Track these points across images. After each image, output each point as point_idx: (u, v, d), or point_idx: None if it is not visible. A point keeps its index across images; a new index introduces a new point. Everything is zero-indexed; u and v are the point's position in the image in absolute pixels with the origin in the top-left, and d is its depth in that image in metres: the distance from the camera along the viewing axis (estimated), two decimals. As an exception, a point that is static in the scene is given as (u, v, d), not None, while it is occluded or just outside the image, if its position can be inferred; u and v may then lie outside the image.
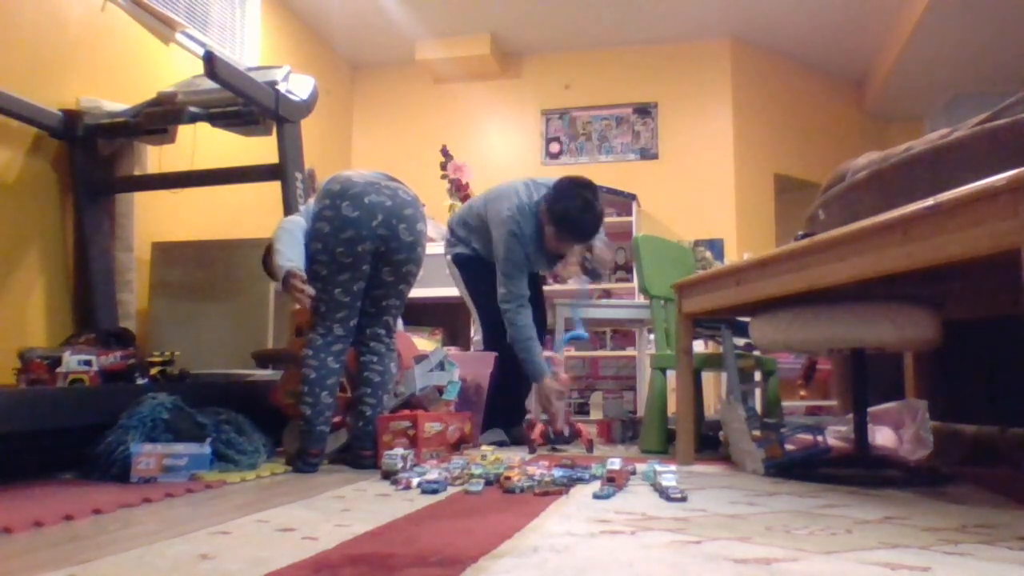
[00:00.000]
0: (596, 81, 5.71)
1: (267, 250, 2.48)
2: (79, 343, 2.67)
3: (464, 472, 2.02)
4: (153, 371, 2.69)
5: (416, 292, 5.19)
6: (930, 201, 1.41)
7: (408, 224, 2.37)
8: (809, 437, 2.38)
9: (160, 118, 3.09)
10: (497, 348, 3.05)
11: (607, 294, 5.22)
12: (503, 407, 3.09)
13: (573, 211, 2.86)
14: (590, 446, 2.78)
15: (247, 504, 1.67)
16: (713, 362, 3.03)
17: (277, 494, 1.83)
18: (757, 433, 2.28)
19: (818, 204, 3.00)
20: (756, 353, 3.07)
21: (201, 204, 4.00)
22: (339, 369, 2.36)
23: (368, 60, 5.93)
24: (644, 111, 5.65)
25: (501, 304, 2.96)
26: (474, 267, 3.15)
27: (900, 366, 2.66)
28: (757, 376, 3.18)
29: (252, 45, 4.72)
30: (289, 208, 2.96)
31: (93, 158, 3.22)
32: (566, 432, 2.85)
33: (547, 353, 2.91)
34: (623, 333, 5.20)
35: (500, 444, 2.93)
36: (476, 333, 3.23)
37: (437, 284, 4.86)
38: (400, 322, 2.71)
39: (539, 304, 3.24)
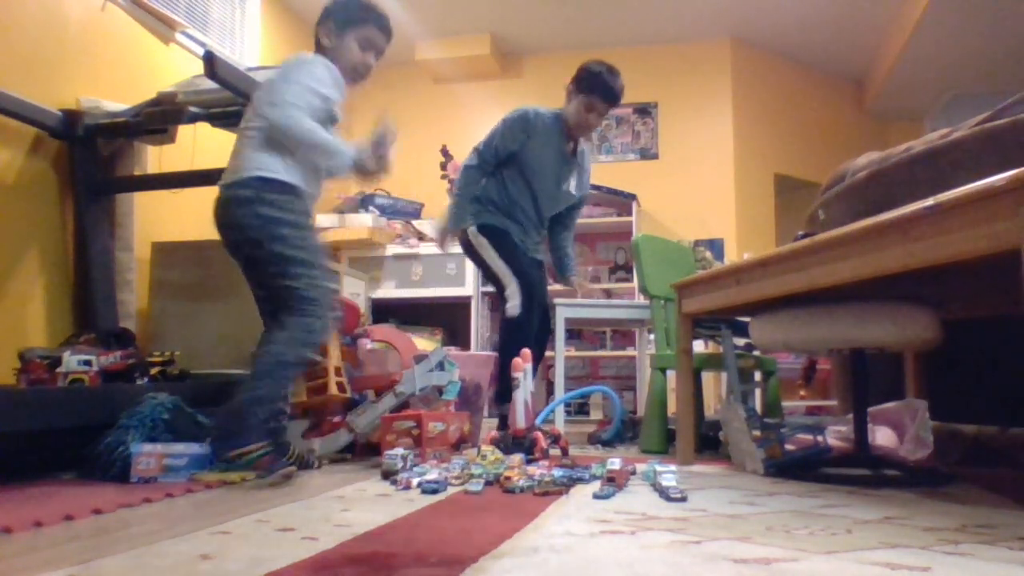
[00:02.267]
0: (596, 81, 5.70)
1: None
2: (79, 343, 2.67)
3: (464, 472, 2.02)
4: (153, 371, 2.69)
5: (416, 292, 5.15)
6: (930, 201, 1.41)
7: (224, 228, 2.20)
8: (809, 437, 2.38)
9: (160, 118, 3.08)
10: (529, 317, 3.01)
11: (607, 294, 5.22)
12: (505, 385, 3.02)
13: (603, 73, 3.01)
14: (543, 454, 2.54)
15: (247, 504, 1.67)
16: (713, 362, 3.03)
17: (277, 494, 1.83)
18: (757, 433, 2.28)
19: (818, 204, 3.00)
20: (756, 353, 3.07)
21: (201, 204, 3.97)
22: None
23: (368, 60, 5.93)
24: (644, 111, 5.65)
25: (469, 156, 3.08)
26: (501, 236, 3.08)
27: (900, 366, 2.66)
28: (757, 376, 3.18)
29: (252, 45, 4.72)
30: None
31: (93, 158, 3.22)
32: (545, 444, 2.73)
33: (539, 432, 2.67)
34: (623, 333, 5.20)
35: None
36: (511, 298, 2.99)
37: (437, 284, 4.88)
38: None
39: (544, 313, 3.23)
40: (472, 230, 3.11)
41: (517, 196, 3.11)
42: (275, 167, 2.15)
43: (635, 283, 4.74)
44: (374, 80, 2.58)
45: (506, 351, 2.91)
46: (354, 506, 1.64)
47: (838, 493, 1.82)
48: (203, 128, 3.25)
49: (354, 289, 4.55)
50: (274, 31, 4.95)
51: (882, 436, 2.52)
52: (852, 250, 1.65)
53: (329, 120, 2.23)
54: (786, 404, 3.97)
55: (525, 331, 2.96)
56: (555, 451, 2.62)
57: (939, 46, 5.01)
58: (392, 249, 4.99)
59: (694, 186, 5.45)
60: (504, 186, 3.11)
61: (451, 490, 1.87)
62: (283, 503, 1.68)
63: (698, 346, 3.88)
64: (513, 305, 2.98)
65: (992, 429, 2.33)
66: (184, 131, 3.39)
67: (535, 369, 3.08)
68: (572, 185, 3.22)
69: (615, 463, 2.04)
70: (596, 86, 3.01)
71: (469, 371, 3.02)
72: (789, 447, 2.30)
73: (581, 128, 3.09)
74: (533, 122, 3.04)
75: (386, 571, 1.07)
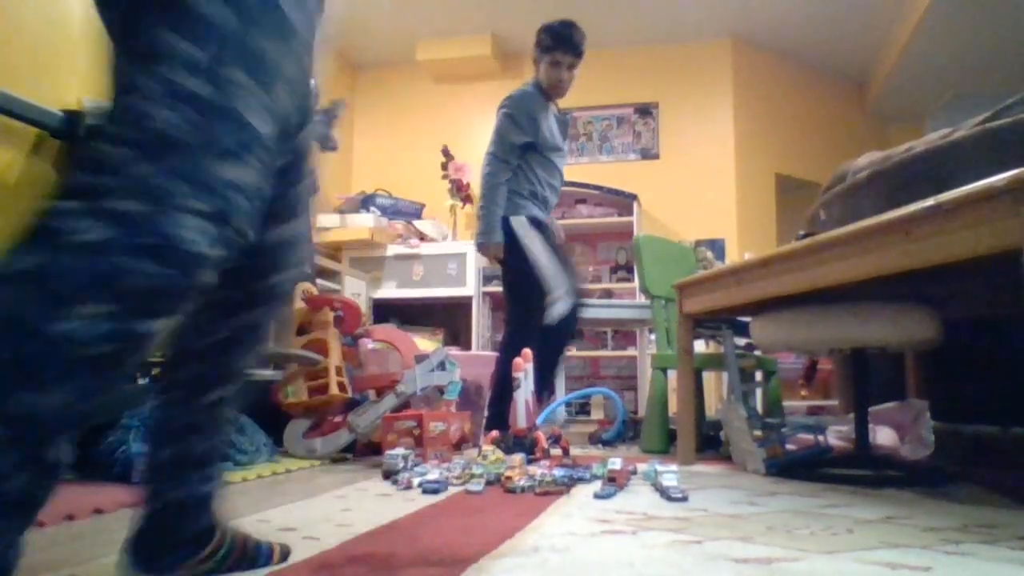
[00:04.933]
0: (596, 81, 5.70)
1: None
2: (80, 343, 2.67)
3: (465, 472, 2.02)
4: (154, 371, 2.69)
5: (417, 292, 5.12)
6: (931, 201, 1.41)
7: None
8: (810, 437, 2.38)
9: (161, 118, 3.09)
10: (569, 320, 2.97)
11: (608, 294, 5.22)
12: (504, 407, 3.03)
13: (555, 26, 3.13)
14: (545, 454, 2.54)
15: (248, 503, 1.67)
16: (714, 362, 3.03)
17: (278, 493, 1.83)
18: (758, 433, 2.28)
19: (819, 204, 3.00)
20: (757, 353, 3.07)
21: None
22: None
23: (368, 60, 5.93)
24: (645, 111, 5.65)
25: (486, 163, 3.00)
26: (546, 232, 3.01)
27: (901, 366, 2.66)
28: (758, 376, 3.18)
29: (253, 45, 4.72)
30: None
31: (94, 158, 3.22)
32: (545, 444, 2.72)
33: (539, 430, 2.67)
34: (624, 333, 5.20)
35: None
36: (557, 302, 2.88)
37: (438, 284, 4.88)
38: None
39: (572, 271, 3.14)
40: (521, 219, 2.96)
41: (546, 176, 3.09)
42: None
43: (636, 283, 4.74)
44: (375, 80, 2.58)
45: (498, 381, 2.88)
46: (355, 506, 1.64)
47: (839, 493, 1.82)
48: (204, 128, 3.25)
49: (355, 289, 4.56)
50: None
51: (883, 436, 2.53)
52: (852, 250, 1.65)
53: None
54: (787, 404, 3.98)
55: (564, 335, 2.96)
56: (556, 451, 2.62)
57: (940, 46, 5.00)
58: (393, 249, 4.99)
59: (695, 186, 5.45)
60: (532, 172, 3.06)
61: (452, 490, 1.87)
62: (284, 503, 1.68)
63: (699, 346, 3.88)
64: (560, 309, 2.87)
65: (992, 429, 2.33)
66: (185, 131, 3.39)
67: (550, 374, 3.06)
68: (565, 144, 3.29)
69: (616, 463, 2.04)
70: (554, 40, 3.08)
71: (470, 371, 3.02)
72: (790, 447, 2.30)
73: (556, 88, 3.11)
74: (530, 102, 3.05)
75: (387, 571, 1.07)
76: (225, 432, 1.09)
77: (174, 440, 1.02)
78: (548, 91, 3.10)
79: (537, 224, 2.99)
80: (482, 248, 3.00)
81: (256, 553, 1.10)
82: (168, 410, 1.02)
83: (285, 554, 1.06)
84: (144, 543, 1.00)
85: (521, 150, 3.03)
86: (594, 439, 3.24)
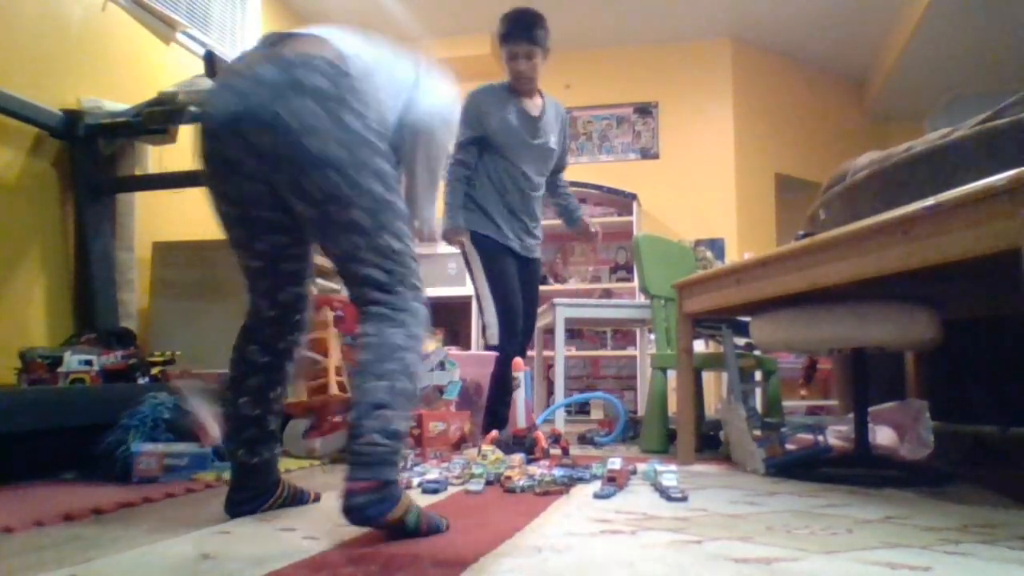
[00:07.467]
0: (596, 81, 5.71)
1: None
2: (80, 343, 2.67)
3: (465, 471, 2.02)
4: (154, 371, 2.70)
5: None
6: (931, 201, 1.41)
7: (260, 118, 1.36)
8: (810, 437, 2.38)
9: (161, 118, 3.08)
10: (508, 347, 2.89)
11: (607, 294, 5.22)
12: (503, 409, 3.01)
13: (507, 15, 3.01)
14: (544, 453, 2.55)
15: (248, 504, 1.67)
16: (714, 362, 3.03)
17: (278, 494, 1.83)
18: (758, 433, 2.28)
19: (819, 204, 3.00)
20: (757, 353, 3.07)
21: (201, 204, 3.97)
22: (270, 364, 1.61)
23: (368, 60, 5.94)
24: (644, 111, 5.65)
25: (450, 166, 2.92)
26: (495, 251, 2.94)
27: (900, 366, 2.66)
28: (758, 376, 3.18)
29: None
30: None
31: (94, 158, 3.22)
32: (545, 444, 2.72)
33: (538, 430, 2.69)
34: (623, 333, 5.20)
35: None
36: (489, 328, 2.91)
37: (437, 284, 4.88)
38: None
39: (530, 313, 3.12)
40: (468, 237, 2.97)
41: (505, 179, 2.98)
42: None
43: (636, 283, 4.74)
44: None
45: (493, 382, 2.92)
46: (355, 506, 1.64)
47: (839, 493, 1.82)
48: (204, 128, 3.24)
49: (355, 289, 4.55)
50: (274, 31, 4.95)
51: (883, 436, 2.53)
52: (852, 250, 1.65)
53: None
54: (786, 404, 3.98)
55: (505, 362, 2.87)
56: (556, 451, 2.62)
57: (939, 46, 5.00)
58: (393, 249, 4.98)
59: (695, 186, 5.45)
60: (489, 178, 2.99)
61: (451, 490, 1.87)
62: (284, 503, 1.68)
63: (698, 346, 3.89)
64: (492, 334, 2.92)
65: (992, 429, 2.33)
66: (185, 131, 3.39)
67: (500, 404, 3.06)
68: (552, 140, 3.09)
69: (616, 463, 2.04)
70: (506, 29, 3.00)
71: (469, 371, 3.02)
72: (790, 447, 2.30)
73: (517, 80, 3.04)
74: (479, 97, 3.01)
75: (386, 571, 1.07)
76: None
77: (253, 425, 1.55)
78: (514, 85, 3.05)
79: (485, 245, 2.92)
80: (445, 235, 2.96)
81: (303, 496, 1.67)
82: (245, 407, 1.55)
83: (317, 497, 1.49)
84: (239, 494, 1.54)
85: (477, 147, 2.98)
86: (585, 438, 3.23)
